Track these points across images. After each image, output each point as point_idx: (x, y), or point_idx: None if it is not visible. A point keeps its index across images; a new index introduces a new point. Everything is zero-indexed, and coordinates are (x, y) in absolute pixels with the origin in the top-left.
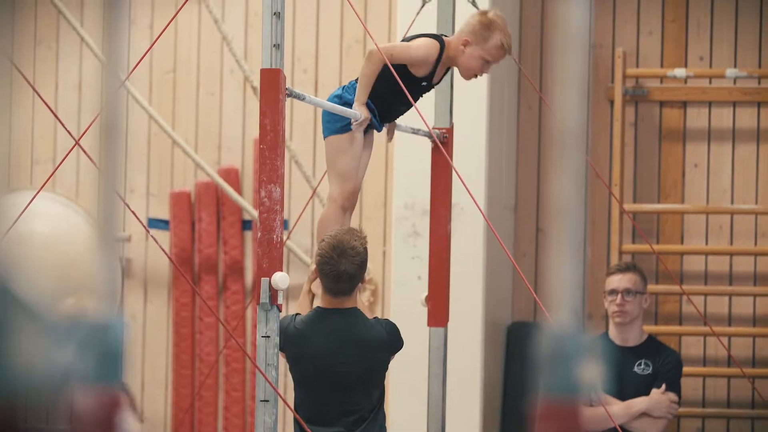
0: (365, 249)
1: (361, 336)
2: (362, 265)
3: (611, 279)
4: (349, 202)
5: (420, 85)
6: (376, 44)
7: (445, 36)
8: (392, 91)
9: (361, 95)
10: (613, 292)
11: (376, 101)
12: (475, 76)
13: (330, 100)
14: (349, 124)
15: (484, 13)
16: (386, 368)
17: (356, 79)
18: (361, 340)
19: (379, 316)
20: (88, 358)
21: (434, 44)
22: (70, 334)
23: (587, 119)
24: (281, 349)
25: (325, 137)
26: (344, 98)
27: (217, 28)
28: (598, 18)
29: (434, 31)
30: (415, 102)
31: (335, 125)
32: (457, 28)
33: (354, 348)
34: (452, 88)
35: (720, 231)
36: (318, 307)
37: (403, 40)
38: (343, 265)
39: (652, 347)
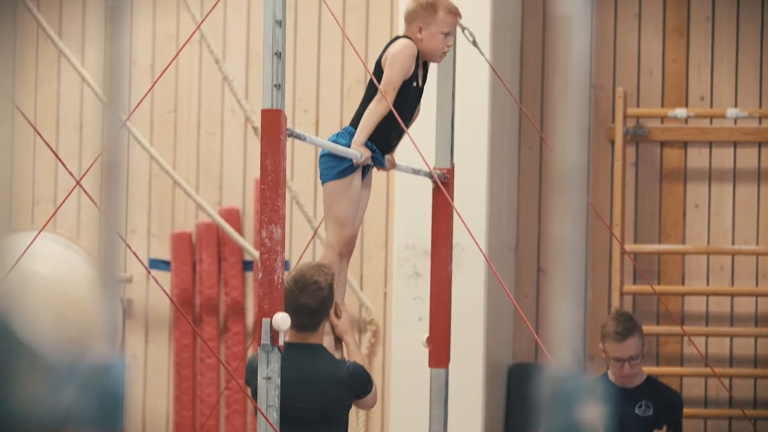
0: (330, 285)
1: (321, 373)
2: (324, 301)
3: (613, 347)
4: (347, 248)
5: (411, 88)
6: (380, 89)
7: (403, 36)
8: (387, 119)
9: (362, 136)
10: (619, 360)
11: (372, 137)
12: (444, 54)
13: (324, 152)
14: (346, 169)
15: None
16: (346, 409)
17: (350, 125)
18: (321, 378)
19: (381, 358)
20: (88, 400)
21: (409, 42)
22: (70, 375)
23: (588, 159)
24: (246, 382)
25: (323, 183)
26: (347, 129)
27: (218, 68)
28: (599, 58)
29: (437, 74)
30: (416, 107)
31: (333, 171)
32: (458, 67)
33: (314, 385)
34: (453, 128)
35: (721, 271)
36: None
37: (377, 61)
38: (304, 298)
39: (652, 388)
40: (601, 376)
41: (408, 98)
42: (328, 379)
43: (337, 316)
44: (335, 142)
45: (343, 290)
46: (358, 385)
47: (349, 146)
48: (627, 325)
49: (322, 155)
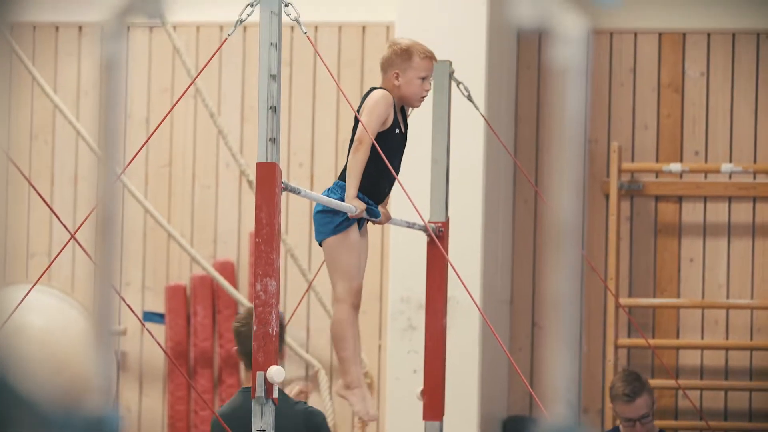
0: (282, 324)
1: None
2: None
3: (623, 408)
4: (357, 299)
5: (395, 135)
6: (357, 137)
7: (379, 87)
8: (377, 169)
9: (352, 189)
10: (630, 420)
11: (363, 187)
12: (423, 98)
13: (318, 210)
14: (342, 223)
15: (393, 43)
16: None
17: (338, 179)
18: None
19: (376, 411)
20: None
21: (385, 93)
22: (65, 427)
23: (583, 213)
24: None
25: (320, 242)
26: (338, 183)
27: (213, 121)
28: (594, 112)
29: (431, 123)
30: (402, 155)
31: (329, 227)
32: (453, 120)
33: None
34: (448, 182)
35: (716, 325)
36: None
37: (356, 113)
38: None
39: None
40: (612, 429)
41: (393, 145)
42: (283, 419)
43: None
44: (328, 190)
45: (359, 343)
46: (313, 425)
47: (342, 200)
48: (635, 386)
49: (317, 212)
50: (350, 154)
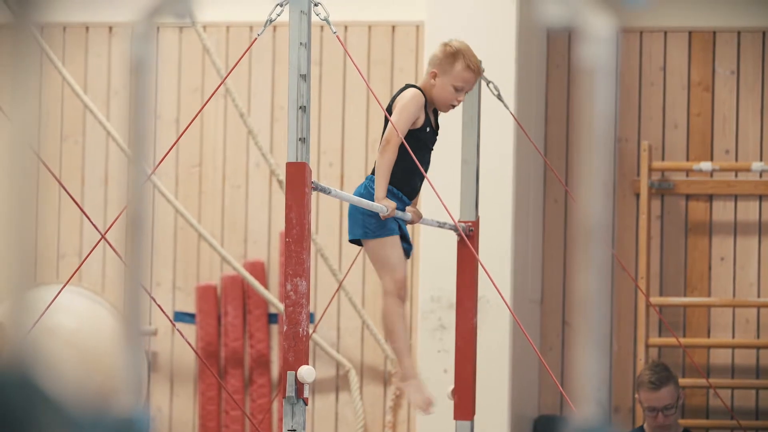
0: None
1: None
2: None
3: (647, 396)
4: (404, 291)
5: (426, 133)
6: (385, 136)
7: (412, 85)
8: (408, 165)
9: (381, 189)
10: (653, 409)
11: (395, 182)
12: (452, 106)
13: (353, 209)
14: (387, 226)
15: (446, 44)
16: None
17: (367, 180)
18: None
19: (405, 410)
20: None
21: (416, 91)
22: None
23: (613, 212)
24: None
25: (356, 237)
26: (369, 181)
27: (243, 121)
28: (624, 112)
29: (461, 122)
30: (431, 150)
31: (371, 226)
32: (483, 120)
33: None
34: (478, 181)
35: (747, 324)
36: None
37: (387, 108)
38: None
39: None
40: (637, 429)
41: (423, 143)
42: None
43: None
44: (365, 191)
45: (408, 335)
46: None
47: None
48: (662, 375)
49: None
50: (378, 153)
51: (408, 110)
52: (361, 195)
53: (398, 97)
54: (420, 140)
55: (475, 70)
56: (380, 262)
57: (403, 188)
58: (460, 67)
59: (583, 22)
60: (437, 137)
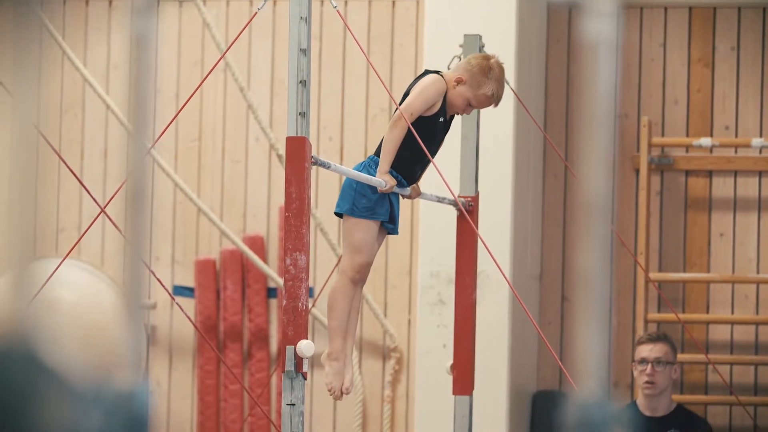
0: None
1: None
2: None
3: (642, 348)
4: (360, 275)
5: (437, 124)
6: (399, 109)
7: (439, 72)
8: (411, 151)
9: (385, 163)
10: (644, 361)
11: (396, 167)
12: (456, 113)
13: (347, 184)
14: (373, 210)
15: (486, 58)
16: None
17: (375, 154)
18: None
19: (404, 385)
20: (113, 426)
21: (440, 78)
22: (95, 402)
23: (613, 188)
24: None
25: (341, 212)
26: (372, 159)
27: (243, 96)
28: (624, 87)
29: None
30: (443, 141)
31: (360, 204)
32: None
33: None
34: (477, 156)
35: (746, 300)
36: None
37: (406, 91)
38: None
39: (682, 417)
40: (629, 404)
41: (433, 131)
42: None
43: None
44: (363, 164)
45: (356, 318)
46: None
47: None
48: (660, 334)
49: (353, 184)
50: (388, 129)
51: (426, 94)
52: (358, 169)
53: (420, 80)
54: (429, 128)
55: (496, 101)
56: (350, 242)
57: (402, 173)
58: (488, 90)
59: None
60: (448, 130)
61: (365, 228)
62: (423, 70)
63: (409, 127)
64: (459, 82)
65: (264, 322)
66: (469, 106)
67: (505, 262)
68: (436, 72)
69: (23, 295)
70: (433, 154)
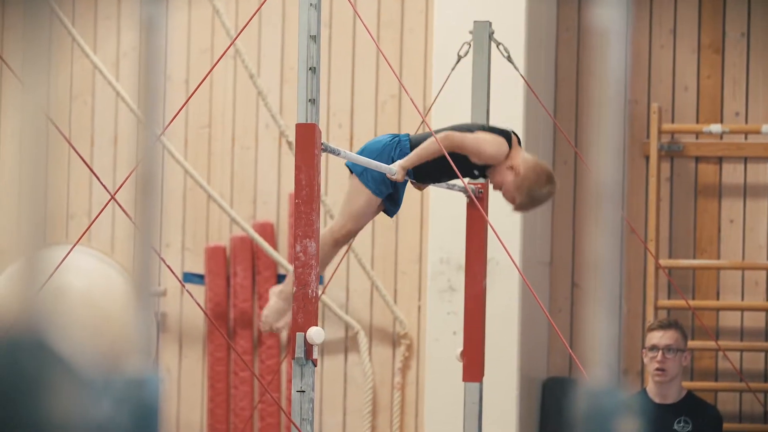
0: None
1: None
2: None
3: (652, 335)
4: (345, 239)
5: (471, 172)
6: (457, 136)
7: (514, 134)
8: (441, 167)
9: (409, 162)
10: (654, 348)
11: (420, 168)
12: (480, 190)
13: (370, 150)
14: (382, 189)
15: (551, 181)
16: None
17: (397, 139)
18: None
19: (414, 372)
20: (124, 414)
21: (504, 145)
22: (105, 389)
23: (623, 174)
24: None
25: (354, 172)
26: (402, 143)
27: (253, 82)
28: (634, 73)
29: (471, 89)
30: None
31: (373, 176)
32: (492, 82)
33: None
34: None
35: (756, 287)
36: None
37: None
38: None
39: (691, 404)
40: (640, 392)
41: (461, 171)
42: None
43: None
44: (391, 141)
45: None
46: None
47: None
48: (671, 321)
49: (377, 152)
50: (435, 138)
51: (483, 147)
52: (384, 143)
53: (485, 130)
54: (460, 165)
55: (516, 207)
56: (350, 206)
57: (423, 173)
58: (521, 198)
59: None
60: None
61: (368, 199)
62: (509, 130)
63: (447, 157)
64: (511, 169)
65: None
66: (497, 189)
67: (515, 248)
68: (513, 133)
69: (33, 281)
70: (438, 181)
